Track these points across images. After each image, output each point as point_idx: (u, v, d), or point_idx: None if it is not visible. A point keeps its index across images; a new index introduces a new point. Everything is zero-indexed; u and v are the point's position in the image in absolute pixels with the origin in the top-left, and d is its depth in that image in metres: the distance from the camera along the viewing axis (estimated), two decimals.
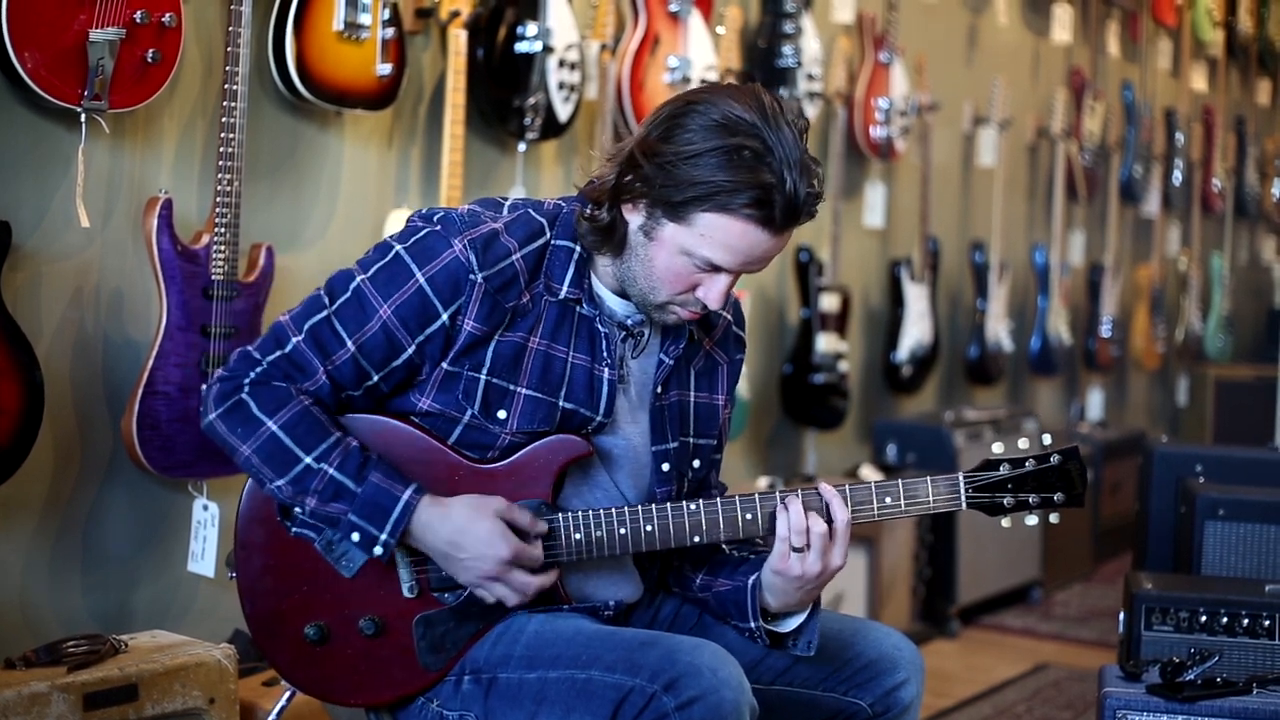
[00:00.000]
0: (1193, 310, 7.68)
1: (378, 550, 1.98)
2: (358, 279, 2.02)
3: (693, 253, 1.96)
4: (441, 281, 1.99)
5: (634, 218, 2.00)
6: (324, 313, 2.02)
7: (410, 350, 2.01)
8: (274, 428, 1.98)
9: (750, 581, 2.09)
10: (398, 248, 2.02)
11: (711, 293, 2.00)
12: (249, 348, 2.04)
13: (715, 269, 1.98)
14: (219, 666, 2.56)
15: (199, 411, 2.03)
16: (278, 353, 2.01)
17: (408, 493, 1.98)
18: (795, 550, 2.03)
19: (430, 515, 1.98)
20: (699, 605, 2.22)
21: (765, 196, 1.91)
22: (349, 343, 2.01)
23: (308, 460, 1.97)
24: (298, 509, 2.01)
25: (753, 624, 2.09)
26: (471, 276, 1.99)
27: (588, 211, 2.03)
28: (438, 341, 2.02)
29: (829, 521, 2.04)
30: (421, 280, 1.99)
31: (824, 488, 2.07)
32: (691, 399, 2.18)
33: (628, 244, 2.02)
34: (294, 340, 2.01)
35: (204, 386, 2.74)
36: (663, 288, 2.01)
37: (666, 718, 1.86)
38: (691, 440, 2.19)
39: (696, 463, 2.20)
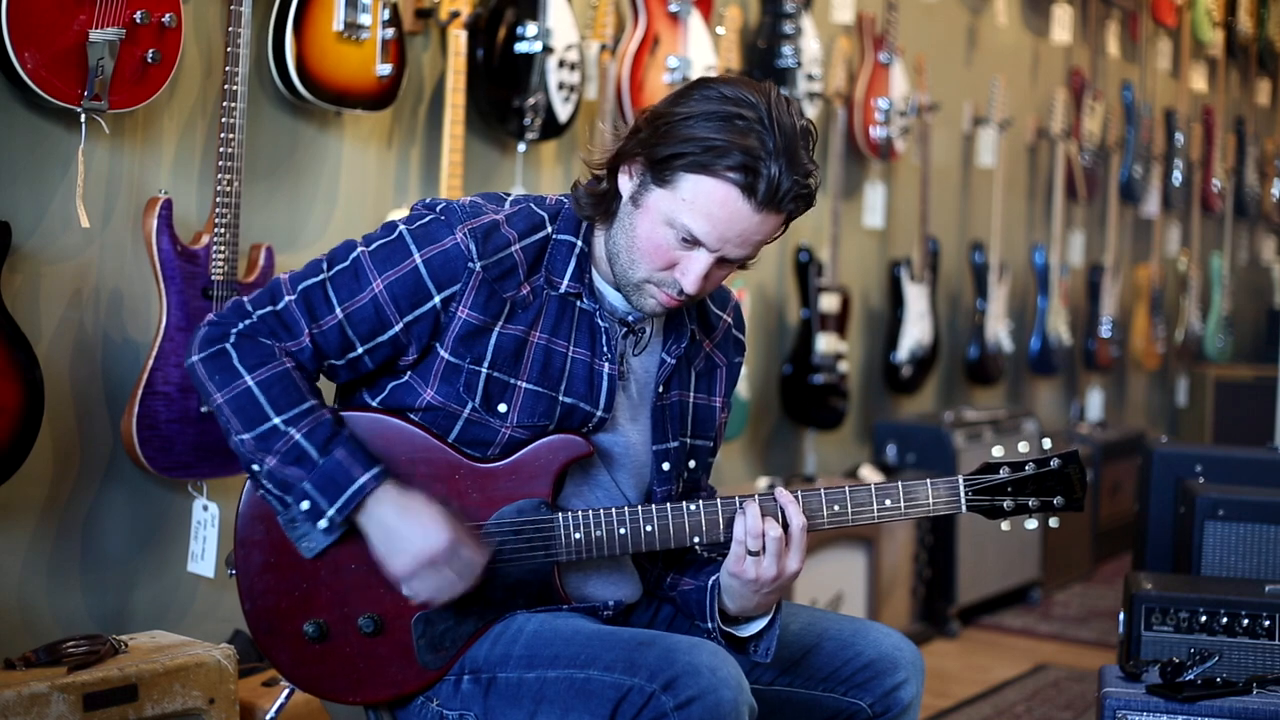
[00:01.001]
0: (1192, 311, 7.68)
1: (322, 524, 1.98)
2: (358, 250, 2.05)
3: (674, 220, 1.97)
4: (438, 265, 2.01)
5: (626, 186, 2.02)
6: (320, 277, 2.04)
7: (397, 328, 2.02)
8: (250, 382, 1.98)
9: (710, 582, 2.10)
10: (401, 228, 2.05)
11: (689, 274, 2.00)
12: (243, 299, 2.06)
13: (695, 243, 1.98)
14: (218, 667, 2.56)
15: (189, 366, 2.03)
16: (269, 308, 2.03)
17: (366, 476, 1.97)
18: (751, 554, 2.03)
19: (386, 494, 1.98)
20: (671, 605, 2.23)
21: (750, 164, 1.92)
22: (338, 309, 2.02)
23: (276, 421, 1.98)
24: (255, 466, 2.00)
25: (709, 624, 2.10)
26: (470, 265, 2.00)
27: (586, 181, 2.07)
28: (426, 324, 2.02)
29: (785, 527, 2.04)
30: (419, 261, 2.01)
31: (780, 493, 2.07)
32: (691, 399, 2.19)
33: (617, 215, 2.04)
34: (286, 299, 2.03)
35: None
36: (642, 261, 2.01)
37: (665, 717, 1.86)
38: (690, 440, 2.19)
39: (693, 463, 2.21)
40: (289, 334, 2.02)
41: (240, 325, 2.02)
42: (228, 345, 2.01)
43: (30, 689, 2.33)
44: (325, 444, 1.98)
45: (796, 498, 2.07)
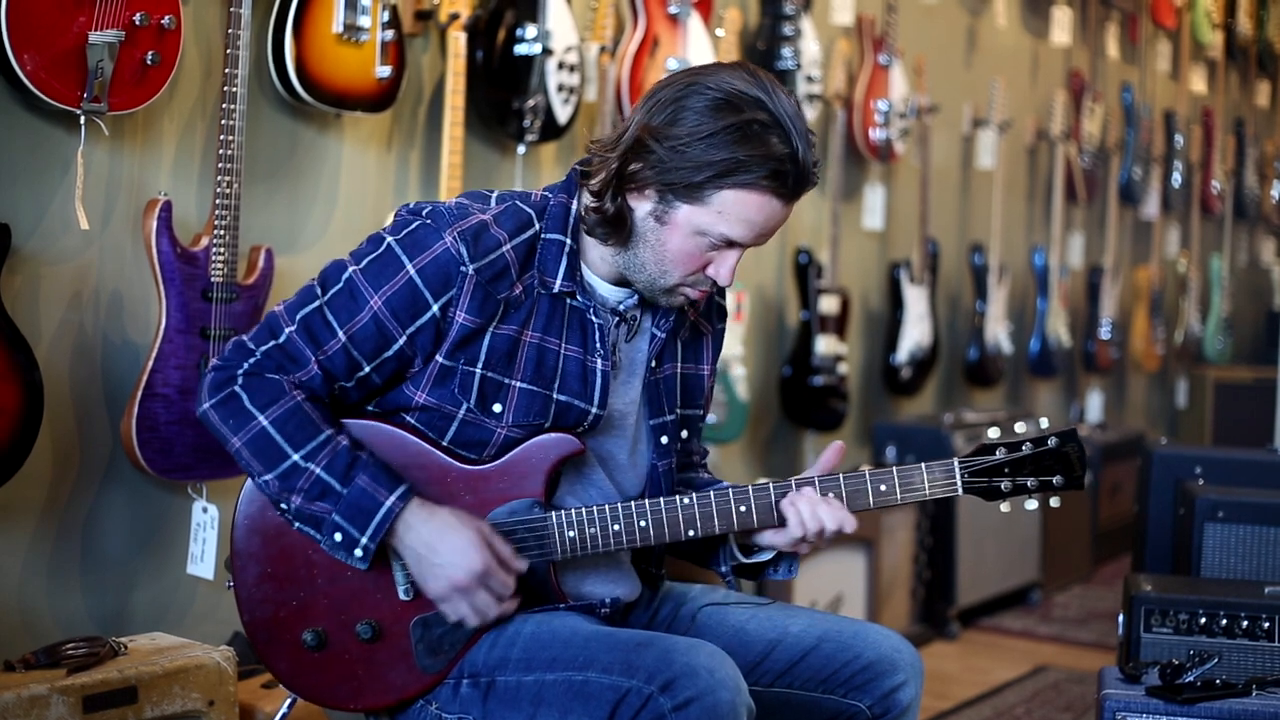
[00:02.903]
0: (1192, 312, 7.68)
1: (357, 553, 1.98)
2: (350, 270, 2.04)
3: (708, 231, 1.99)
4: (432, 273, 2.00)
5: (641, 205, 2.02)
6: (316, 303, 2.03)
7: (401, 341, 2.02)
8: (264, 422, 1.98)
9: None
10: (389, 240, 2.03)
11: (723, 269, 2.03)
12: (244, 338, 2.05)
13: (730, 245, 2.00)
14: (218, 669, 2.56)
15: (201, 414, 2.03)
16: (271, 343, 2.03)
17: (392, 499, 1.98)
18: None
19: (415, 517, 1.99)
20: (670, 593, 2.27)
21: (780, 167, 1.94)
22: (340, 333, 2.02)
23: (295, 458, 1.98)
24: (283, 505, 2.01)
25: (723, 568, 2.18)
26: (463, 269, 2.00)
27: (591, 204, 2.04)
28: (428, 333, 2.02)
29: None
30: (412, 272, 2.00)
31: (803, 503, 2.10)
32: (679, 370, 2.21)
33: (636, 232, 2.03)
34: (286, 330, 2.03)
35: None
36: (675, 270, 2.03)
37: (663, 718, 1.86)
38: (681, 411, 2.21)
39: (685, 433, 2.23)
40: (296, 365, 2.02)
41: (246, 364, 2.02)
42: (236, 388, 2.01)
43: (30, 691, 2.33)
44: (346, 473, 1.98)
45: (793, 484, 2.10)
